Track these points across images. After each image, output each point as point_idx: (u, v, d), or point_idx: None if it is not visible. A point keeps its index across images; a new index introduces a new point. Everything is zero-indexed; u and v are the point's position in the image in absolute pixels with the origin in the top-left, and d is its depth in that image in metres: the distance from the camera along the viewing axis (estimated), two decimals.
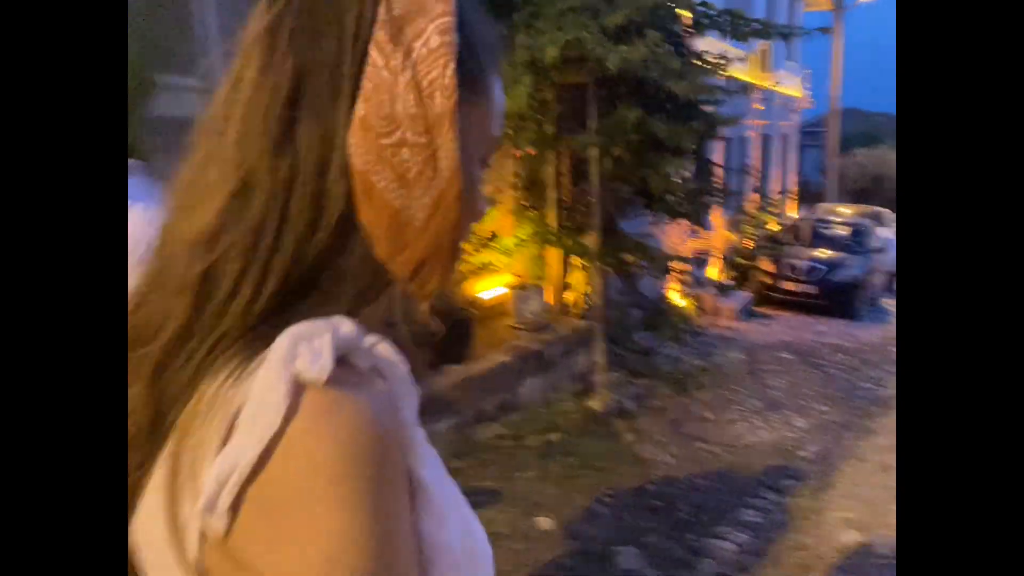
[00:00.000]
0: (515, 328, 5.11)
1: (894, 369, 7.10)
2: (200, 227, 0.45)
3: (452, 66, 0.45)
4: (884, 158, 24.34)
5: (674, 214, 5.29)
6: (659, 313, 5.99)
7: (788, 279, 10.83)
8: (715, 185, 5.89)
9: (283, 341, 0.42)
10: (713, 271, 11.18)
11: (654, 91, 4.47)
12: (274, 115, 0.45)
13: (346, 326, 0.44)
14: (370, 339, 0.45)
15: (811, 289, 10.64)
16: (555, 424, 4.34)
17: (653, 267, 5.29)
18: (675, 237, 9.36)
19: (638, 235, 6.04)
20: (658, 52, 4.16)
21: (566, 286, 5.74)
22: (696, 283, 8.01)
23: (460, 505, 0.52)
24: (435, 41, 0.45)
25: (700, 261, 10.48)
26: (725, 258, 11.30)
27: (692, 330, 8.15)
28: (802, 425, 4.96)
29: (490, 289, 5.22)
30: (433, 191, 0.46)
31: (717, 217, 11.27)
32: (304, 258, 0.45)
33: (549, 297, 5.63)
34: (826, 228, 12.66)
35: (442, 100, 0.45)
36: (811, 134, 27.53)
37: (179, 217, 0.48)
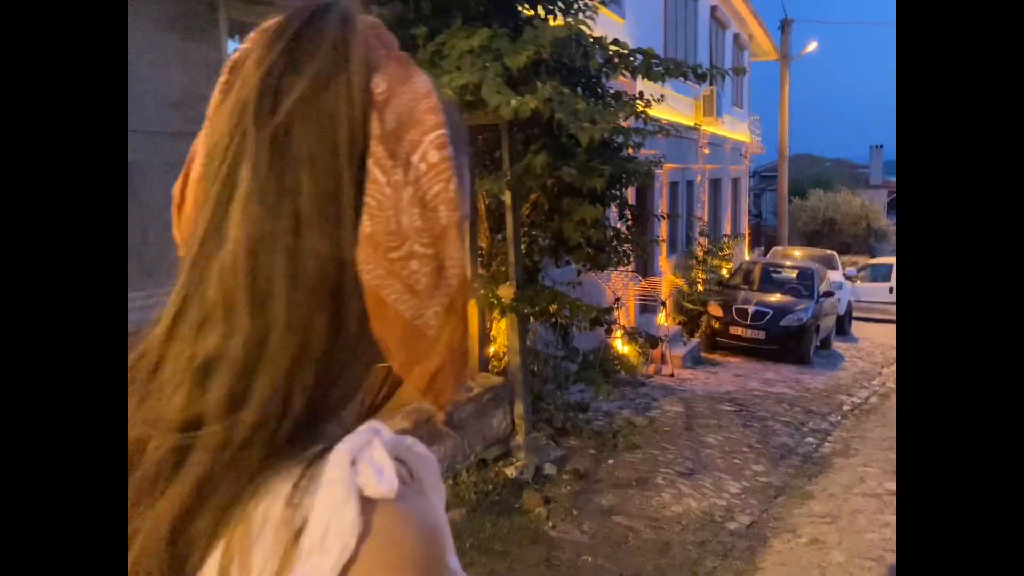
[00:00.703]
0: None
1: (839, 419, 6.82)
2: (207, 350, 0.44)
3: (455, 180, 0.46)
4: (836, 201, 24.84)
5: (592, 263, 4.97)
6: (591, 366, 5.61)
7: (736, 324, 10.61)
8: (634, 234, 5.58)
9: (341, 458, 0.41)
10: (661, 317, 10.92)
11: (563, 134, 4.19)
12: (283, 245, 0.43)
13: (386, 430, 0.44)
14: (409, 439, 0.46)
15: (759, 334, 10.42)
16: (458, 498, 3.89)
17: (577, 318, 4.94)
18: (619, 284, 9.10)
19: (570, 284, 5.71)
20: (564, 94, 3.89)
21: (488, 339, 5.35)
22: (638, 332, 7.69)
23: None
24: (434, 157, 0.45)
25: (645, 307, 10.22)
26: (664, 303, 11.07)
27: (633, 381, 7.81)
28: (735, 490, 4.59)
29: None
30: (444, 299, 0.46)
31: (664, 261, 11.07)
32: (326, 377, 0.45)
33: None
34: (776, 272, 12.57)
35: (447, 213, 0.45)
36: (767, 178, 28.02)
37: (182, 335, 0.45)
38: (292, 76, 0.44)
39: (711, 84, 12.09)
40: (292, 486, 0.41)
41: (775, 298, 11.03)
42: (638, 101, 4.89)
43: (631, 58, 4.53)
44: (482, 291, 4.71)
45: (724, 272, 12.73)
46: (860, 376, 9.61)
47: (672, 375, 8.61)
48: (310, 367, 0.44)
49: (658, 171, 10.45)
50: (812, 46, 19.75)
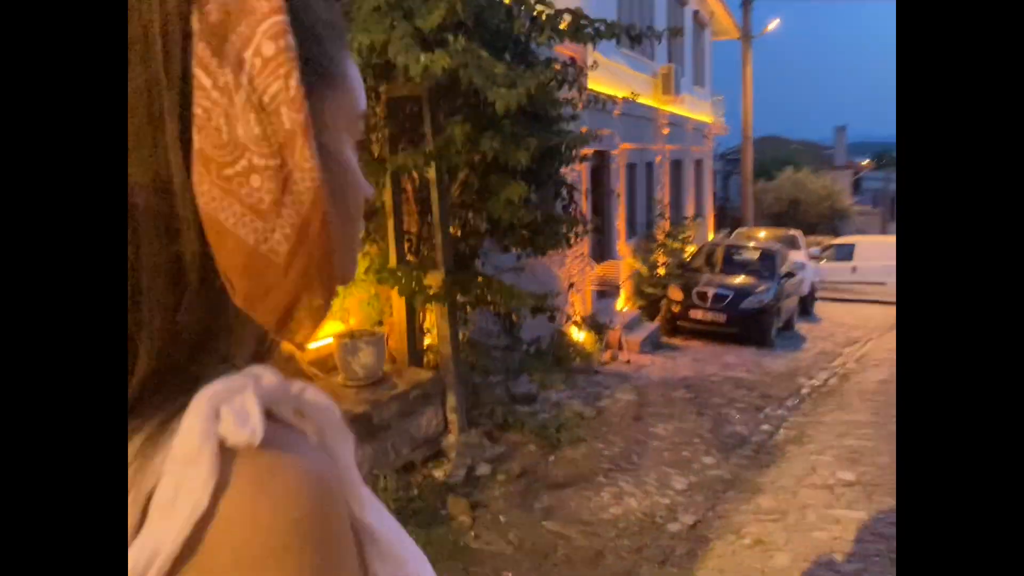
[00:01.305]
0: (346, 386, 4.30)
1: (797, 404, 6.59)
2: None
3: (296, 74, 0.39)
4: (802, 182, 24.83)
5: (529, 247, 4.59)
6: (536, 356, 5.25)
7: (696, 307, 10.36)
8: (571, 215, 5.21)
9: (199, 405, 0.38)
10: (620, 302, 10.63)
11: (485, 103, 3.81)
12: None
13: (267, 376, 0.41)
14: (297, 386, 0.43)
15: (719, 317, 10.19)
16: None
17: (516, 306, 4.57)
18: (574, 269, 8.77)
19: (513, 269, 5.34)
20: (481, 57, 3.50)
21: (421, 331, 4.97)
22: (585, 319, 7.37)
23: (403, 538, 0.50)
24: (269, 49, 0.39)
25: (604, 292, 9.92)
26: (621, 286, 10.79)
27: (586, 369, 7.50)
28: (680, 486, 4.29)
29: (314, 340, 4.40)
30: (294, 218, 0.40)
31: (622, 245, 10.77)
32: (171, 327, 0.40)
33: (396, 345, 4.85)
34: (738, 253, 12.36)
35: (290, 114, 0.39)
36: (735, 161, 27.96)
37: None
38: None
39: (647, 46, 11.76)
40: (140, 443, 0.39)
41: (736, 280, 10.80)
42: (569, 68, 4.50)
43: (555, 18, 4.14)
44: (403, 278, 4.32)
45: (686, 255, 12.49)
46: (821, 357, 9.44)
47: (628, 362, 8.32)
48: (151, 316, 0.40)
49: (613, 152, 10.12)
50: (774, 24, 19.55)
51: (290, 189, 0.39)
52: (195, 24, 0.38)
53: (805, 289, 13.39)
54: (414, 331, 4.79)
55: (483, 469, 4.37)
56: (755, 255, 12.15)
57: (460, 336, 5.44)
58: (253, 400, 0.38)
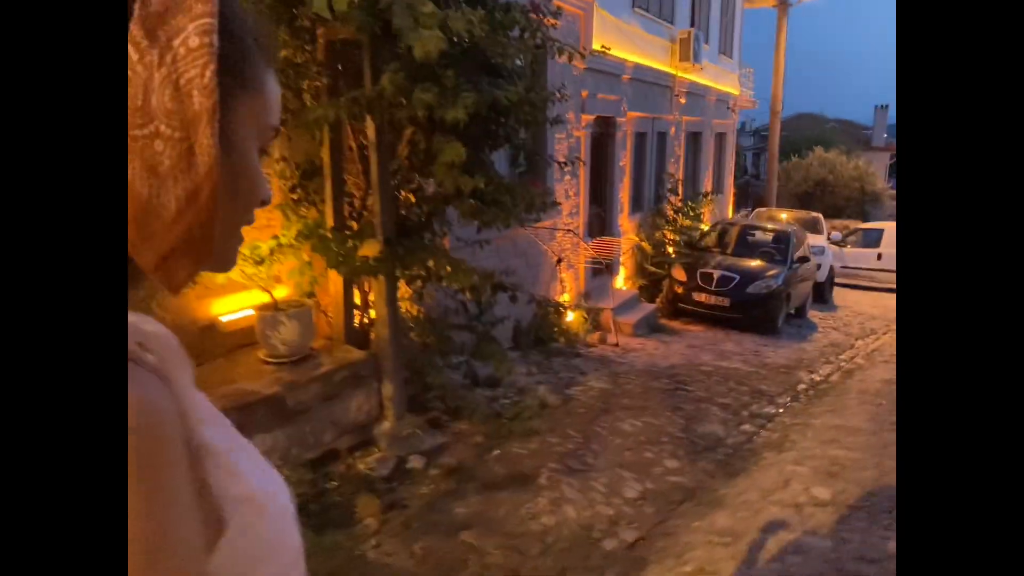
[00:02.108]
0: (266, 363, 3.89)
1: (789, 402, 6.05)
2: None
3: (212, 67, 0.46)
4: (832, 162, 23.73)
5: (476, 217, 4.08)
6: (489, 337, 4.78)
7: (700, 290, 9.79)
8: (527, 185, 4.64)
9: None
10: (619, 280, 10.09)
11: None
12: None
13: None
14: (137, 318, 0.48)
15: (723, 301, 9.61)
16: None
17: (459, 284, 4.08)
18: (567, 243, 8.24)
19: (477, 243, 4.84)
20: None
21: (364, 306, 4.52)
22: (546, 300, 6.86)
23: (253, 457, 0.56)
24: (195, 41, 0.46)
25: (601, 270, 9.38)
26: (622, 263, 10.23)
27: (567, 351, 7.03)
28: (632, 494, 3.82)
29: (235, 311, 3.98)
30: (188, 184, 0.47)
31: (625, 220, 10.19)
32: None
33: (328, 319, 4.41)
34: (752, 234, 11.69)
35: (200, 99, 0.46)
36: (766, 137, 26.90)
37: None
38: None
39: (665, 8, 10.98)
40: None
41: (744, 263, 10.18)
42: (531, 15, 3.93)
43: None
44: (332, 245, 3.86)
45: (698, 234, 11.86)
46: (829, 349, 8.84)
47: (616, 345, 7.83)
48: None
49: (619, 119, 9.47)
50: None
51: (190, 160, 0.46)
52: (136, 8, 0.45)
53: (822, 275, 12.69)
54: (351, 305, 4.34)
55: (415, 462, 3.95)
56: (769, 236, 11.48)
57: (417, 312, 5.00)
58: None
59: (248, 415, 3.42)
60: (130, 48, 0.44)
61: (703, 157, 14.25)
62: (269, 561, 0.53)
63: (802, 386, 6.68)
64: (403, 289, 4.68)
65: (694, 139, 13.74)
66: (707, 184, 14.81)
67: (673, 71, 11.34)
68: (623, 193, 9.96)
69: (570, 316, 8.07)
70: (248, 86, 0.51)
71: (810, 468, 4.22)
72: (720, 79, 14.80)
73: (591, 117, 8.51)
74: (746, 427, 5.19)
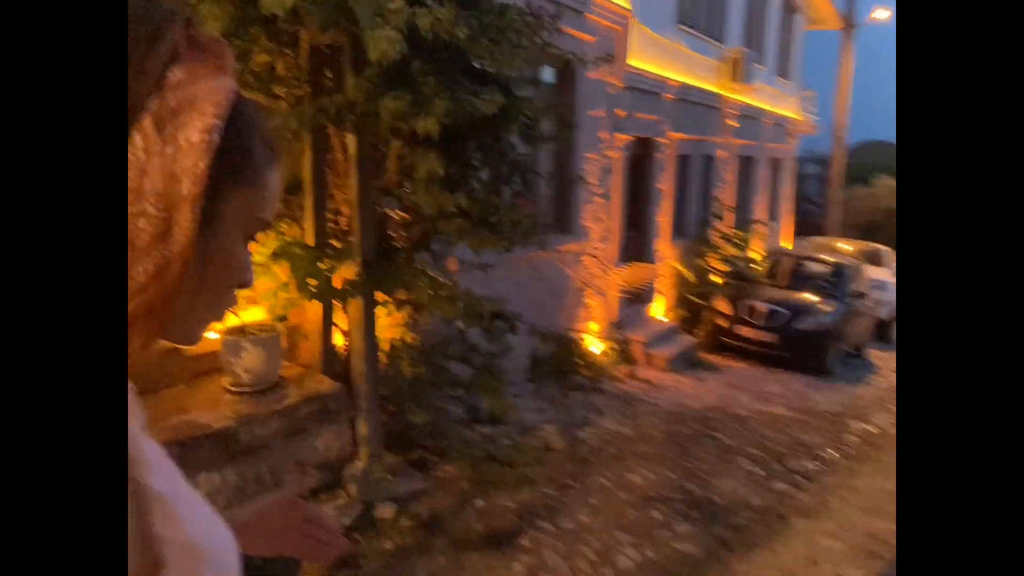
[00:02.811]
0: (228, 392, 3.54)
1: (834, 457, 5.37)
2: None
3: (207, 160, 0.51)
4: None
5: (466, 240, 3.62)
6: (487, 371, 4.32)
7: (744, 323, 9.10)
8: (515, 205, 4.14)
9: None
10: (658, 310, 9.50)
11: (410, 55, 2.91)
12: None
13: None
14: None
15: (770, 337, 8.89)
16: None
17: (443, 313, 3.66)
18: (594, 268, 7.75)
19: (482, 267, 4.42)
20: None
21: (346, 332, 4.15)
22: (547, 333, 6.33)
23: (199, 507, 0.57)
24: (196, 138, 0.51)
25: (638, 298, 8.82)
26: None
27: (588, 386, 6.50)
28: (624, 563, 3.28)
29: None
30: (159, 258, 0.50)
31: (666, 246, 9.62)
32: None
33: (308, 345, 4.05)
34: (807, 266, 10.92)
35: (189, 185, 0.50)
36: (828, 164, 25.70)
37: None
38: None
39: (715, 25, 10.38)
40: None
41: (794, 296, 9.44)
42: (529, 19, 3.50)
43: None
44: (302, 263, 3.50)
45: (748, 263, 11.16)
46: (887, 395, 8.00)
47: (647, 380, 7.25)
48: None
49: (659, 140, 8.95)
50: (883, 14, 17.51)
51: (167, 237, 0.50)
52: (154, 105, 0.49)
53: (884, 312, 11.75)
54: (329, 330, 3.97)
55: (384, 510, 3.51)
56: (825, 269, 10.69)
57: (411, 339, 4.60)
58: None
59: (192, 450, 3.07)
60: (136, 135, 0.48)
61: (756, 183, 13.52)
62: None
63: (851, 438, 5.96)
64: (397, 315, 4.30)
65: (746, 164, 13.05)
66: (760, 212, 14.05)
67: (722, 92, 10.77)
68: (663, 217, 9.40)
69: (597, 347, 7.55)
70: (244, 182, 0.56)
71: (846, 544, 3.58)
72: (777, 102, 14.10)
73: (628, 137, 8.03)
74: (778, 486, 4.56)
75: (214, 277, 0.55)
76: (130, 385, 0.51)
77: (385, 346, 4.42)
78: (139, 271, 0.48)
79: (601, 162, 7.58)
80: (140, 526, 0.48)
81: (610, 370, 7.42)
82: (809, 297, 9.45)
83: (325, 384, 3.76)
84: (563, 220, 7.07)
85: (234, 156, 0.53)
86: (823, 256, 11.37)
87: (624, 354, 7.68)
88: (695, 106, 9.92)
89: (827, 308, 9.09)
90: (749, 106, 12.11)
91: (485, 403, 4.28)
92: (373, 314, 3.78)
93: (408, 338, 4.53)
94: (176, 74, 0.50)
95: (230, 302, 0.59)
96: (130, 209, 0.47)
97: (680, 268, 9.85)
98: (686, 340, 8.85)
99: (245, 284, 0.60)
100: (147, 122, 0.48)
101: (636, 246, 8.97)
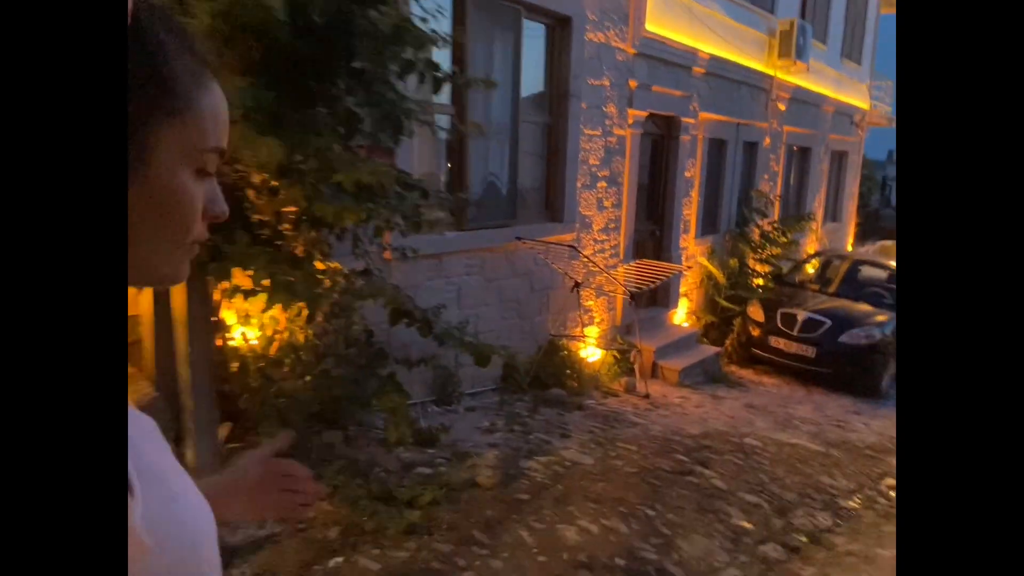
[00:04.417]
0: None
1: (856, 508, 4.21)
2: None
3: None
4: None
5: (298, 206, 2.67)
6: (385, 382, 3.40)
7: (779, 333, 7.88)
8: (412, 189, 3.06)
9: None
10: (681, 315, 8.36)
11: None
12: None
13: None
14: None
15: (806, 351, 7.65)
16: None
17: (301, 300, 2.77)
18: (597, 263, 6.70)
19: (403, 255, 3.50)
20: None
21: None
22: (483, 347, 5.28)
23: (181, 482, 0.57)
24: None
25: (655, 299, 7.70)
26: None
27: (568, 401, 5.49)
28: None
29: None
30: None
31: (693, 242, 8.45)
32: None
33: (149, 347, 3.22)
34: (862, 271, 9.56)
35: None
36: None
37: None
38: None
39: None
40: None
41: (840, 305, 8.14)
42: None
43: None
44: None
45: (795, 264, 9.86)
46: None
47: (647, 396, 6.18)
48: None
49: (686, 120, 7.79)
50: None
51: None
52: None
53: None
54: (165, 325, 3.13)
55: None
56: (883, 275, 9.29)
57: (301, 339, 3.72)
58: None
59: None
60: None
61: (812, 177, 12.08)
62: (181, 540, 0.53)
63: (885, 482, 4.75)
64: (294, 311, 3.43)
65: (801, 155, 11.65)
66: (818, 210, 12.60)
67: (770, 71, 9.48)
68: (689, 210, 8.24)
69: (595, 355, 6.52)
70: (168, 113, 0.52)
71: None
72: (841, 88, 12.60)
73: (642, 113, 6.95)
74: (767, 550, 3.47)
75: (167, 216, 0.54)
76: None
77: (274, 348, 3.57)
78: None
79: (605, 140, 6.53)
80: (132, 505, 0.48)
81: (606, 383, 6.39)
82: (860, 306, 8.12)
83: (142, 393, 2.92)
84: (552, 206, 6.07)
85: (145, 88, 0.50)
86: (881, 260, 9.92)
87: (628, 364, 6.61)
88: (734, 84, 8.70)
89: (880, 319, 7.75)
90: (805, 90, 10.74)
91: (386, 429, 3.36)
92: (208, 305, 2.91)
93: (301, 337, 3.66)
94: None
95: (199, 235, 0.58)
96: None
97: (709, 266, 8.66)
98: (708, 350, 7.69)
99: (218, 216, 0.59)
100: None
101: (655, 241, 7.86)
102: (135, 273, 0.53)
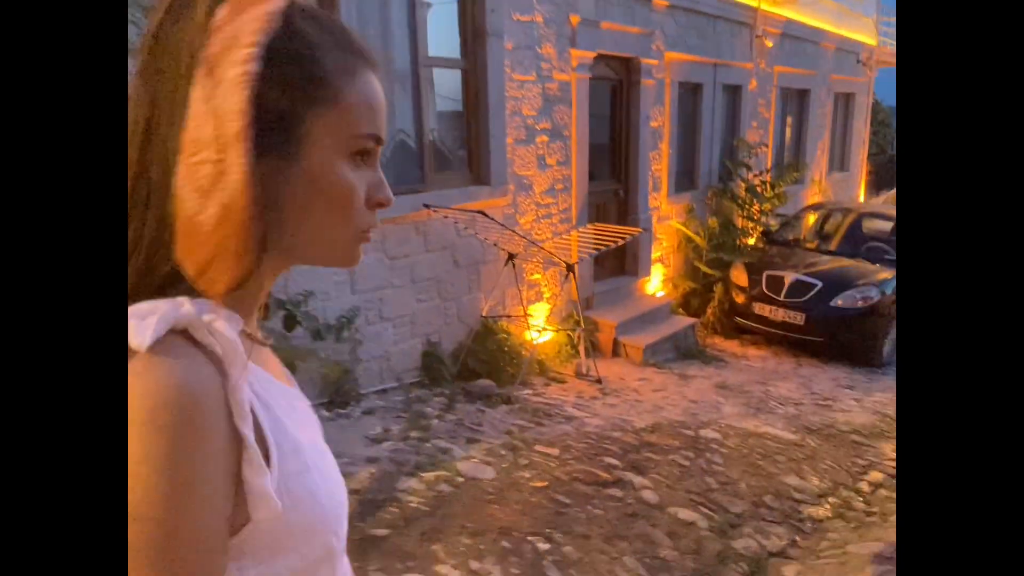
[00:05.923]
0: None
1: (824, 512, 3.40)
2: None
3: (246, 94, 0.51)
4: None
5: None
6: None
7: (764, 299, 6.99)
8: None
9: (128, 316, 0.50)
10: (655, 284, 7.50)
11: None
12: (135, 143, 0.54)
13: (187, 306, 0.51)
14: (209, 316, 0.51)
15: (794, 317, 6.76)
16: None
17: None
18: (544, 231, 5.84)
19: None
20: None
21: None
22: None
23: (321, 458, 0.61)
24: (232, 73, 0.51)
25: (624, 269, 6.84)
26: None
27: (497, 394, 4.71)
28: None
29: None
30: (222, 199, 0.52)
31: (666, 202, 7.54)
32: (162, 257, 0.54)
33: None
34: (869, 224, 8.57)
35: (232, 124, 0.51)
36: None
37: None
38: (154, 12, 0.54)
39: None
40: None
41: (834, 264, 7.23)
42: None
43: None
44: None
45: (784, 220, 8.90)
46: None
47: (599, 380, 5.37)
48: (146, 246, 0.54)
49: (647, 61, 6.82)
50: None
51: (223, 179, 0.51)
52: (207, 51, 0.51)
53: None
54: None
55: None
56: (887, 227, 8.31)
57: None
58: (155, 318, 0.48)
59: None
60: (196, 86, 0.51)
61: (812, 123, 11.00)
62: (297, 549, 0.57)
63: (872, 479, 3.92)
64: None
65: (797, 98, 10.57)
66: (821, 159, 11.53)
67: (754, 3, 8.41)
68: (659, 165, 7.32)
69: (544, 335, 5.71)
70: (320, 103, 0.56)
71: None
72: (843, 22, 11.42)
73: (589, 55, 6.01)
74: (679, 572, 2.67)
75: (328, 203, 0.57)
76: (244, 332, 0.54)
77: None
78: (208, 216, 0.51)
79: (544, 87, 5.63)
80: (232, 468, 0.50)
81: (555, 367, 5.59)
82: (859, 265, 7.19)
83: None
84: (476, 166, 5.21)
85: (296, 79, 0.54)
86: (887, 210, 8.91)
87: (583, 343, 5.80)
88: (708, 19, 7.68)
89: (881, 277, 6.81)
90: (798, 24, 9.63)
91: None
92: None
93: None
94: (220, 15, 0.52)
95: (366, 222, 0.61)
96: (193, 159, 0.51)
97: (684, 229, 7.75)
98: (682, 322, 6.84)
99: (383, 203, 0.62)
100: (202, 70, 0.51)
101: (619, 202, 6.97)
102: (309, 252, 0.60)
